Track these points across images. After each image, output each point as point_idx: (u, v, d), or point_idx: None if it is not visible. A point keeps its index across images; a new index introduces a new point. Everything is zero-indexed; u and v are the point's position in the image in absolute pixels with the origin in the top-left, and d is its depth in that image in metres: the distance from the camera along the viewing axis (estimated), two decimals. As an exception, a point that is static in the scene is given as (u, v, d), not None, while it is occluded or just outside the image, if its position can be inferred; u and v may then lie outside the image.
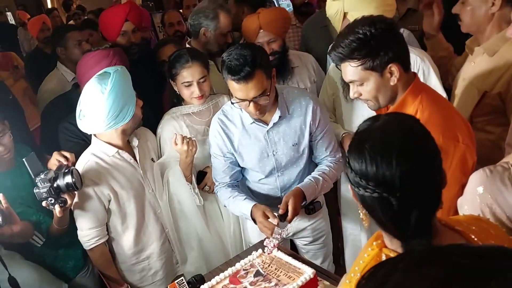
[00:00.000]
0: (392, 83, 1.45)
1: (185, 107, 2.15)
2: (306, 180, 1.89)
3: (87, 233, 1.84)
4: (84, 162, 1.83)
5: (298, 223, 2.02)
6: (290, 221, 1.76)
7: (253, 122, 1.83)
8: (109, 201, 1.85)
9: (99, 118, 1.72)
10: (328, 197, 2.19)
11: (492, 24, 1.80)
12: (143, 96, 1.92)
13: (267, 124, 1.84)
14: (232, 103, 1.76)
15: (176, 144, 1.91)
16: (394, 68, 1.43)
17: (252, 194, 2.01)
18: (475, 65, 1.87)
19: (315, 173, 1.92)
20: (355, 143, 0.95)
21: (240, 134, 1.87)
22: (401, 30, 2.18)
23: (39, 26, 4.13)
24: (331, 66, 2.19)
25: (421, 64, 1.89)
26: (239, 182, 2.04)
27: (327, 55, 2.01)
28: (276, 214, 1.73)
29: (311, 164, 1.99)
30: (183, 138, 1.91)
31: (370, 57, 1.41)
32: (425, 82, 1.83)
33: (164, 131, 2.11)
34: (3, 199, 1.57)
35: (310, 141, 1.91)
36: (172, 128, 2.09)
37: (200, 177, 2.14)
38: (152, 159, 2.04)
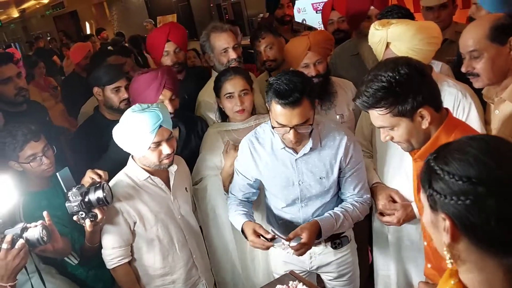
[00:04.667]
0: (424, 127, 1.40)
1: (228, 123, 2.20)
2: (326, 215, 1.82)
3: (110, 252, 1.83)
4: (115, 181, 1.85)
5: (322, 257, 1.96)
6: (299, 255, 1.73)
7: (284, 148, 1.81)
8: (135, 223, 1.85)
9: (130, 137, 1.76)
10: (358, 229, 2.09)
11: (510, 69, 1.70)
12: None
13: (297, 153, 1.82)
14: (273, 127, 1.74)
15: (227, 152, 2.04)
16: (424, 112, 1.36)
17: (276, 221, 1.98)
18: (500, 113, 1.78)
19: (337, 209, 1.85)
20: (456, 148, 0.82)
21: (268, 157, 1.86)
22: (439, 63, 2.15)
23: (85, 53, 4.25)
24: None
25: (462, 100, 1.81)
26: (267, 208, 2.03)
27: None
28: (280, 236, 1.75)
29: (338, 199, 1.94)
30: (235, 146, 2.01)
31: (398, 104, 1.36)
32: (464, 119, 1.78)
33: (205, 143, 2.21)
34: (47, 216, 1.58)
35: (339, 176, 1.87)
36: (211, 141, 2.17)
37: None
38: (186, 189, 2.05)
